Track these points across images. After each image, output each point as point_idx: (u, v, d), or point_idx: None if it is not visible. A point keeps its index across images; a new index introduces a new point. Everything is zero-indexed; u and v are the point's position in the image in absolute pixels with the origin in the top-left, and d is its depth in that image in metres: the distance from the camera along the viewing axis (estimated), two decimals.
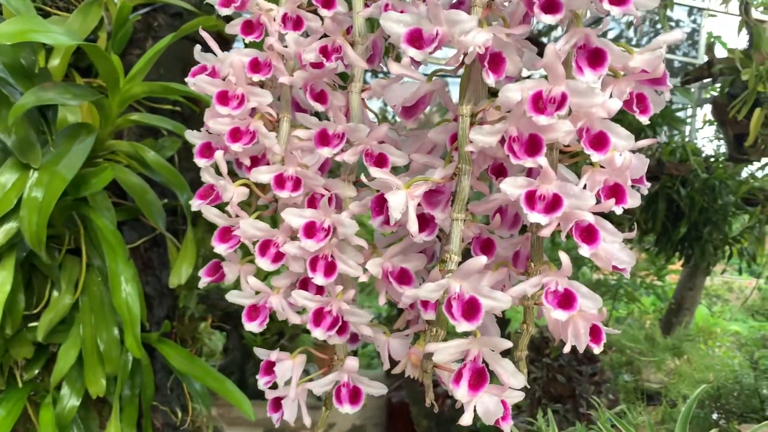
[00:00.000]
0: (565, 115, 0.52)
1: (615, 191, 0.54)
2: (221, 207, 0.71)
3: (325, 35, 0.66)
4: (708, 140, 5.41)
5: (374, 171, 0.57)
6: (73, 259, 1.38)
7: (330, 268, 0.63)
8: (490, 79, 0.53)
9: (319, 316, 0.63)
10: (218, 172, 0.69)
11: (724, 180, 4.06)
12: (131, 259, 1.36)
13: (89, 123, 1.18)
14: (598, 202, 0.53)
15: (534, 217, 0.51)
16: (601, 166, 0.55)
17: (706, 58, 3.66)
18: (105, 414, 1.50)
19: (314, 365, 0.76)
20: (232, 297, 0.68)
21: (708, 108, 4.74)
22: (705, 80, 3.66)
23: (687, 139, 5.47)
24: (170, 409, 1.61)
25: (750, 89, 2.48)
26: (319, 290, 0.67)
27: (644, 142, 0.56)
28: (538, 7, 0.51)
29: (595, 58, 0.52)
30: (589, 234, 0.53)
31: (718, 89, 3.60)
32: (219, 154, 0.67)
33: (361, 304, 0.71)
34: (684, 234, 4.11)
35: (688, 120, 5.55)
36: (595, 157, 0.52)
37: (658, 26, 6.01)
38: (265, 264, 0.64)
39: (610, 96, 0.55)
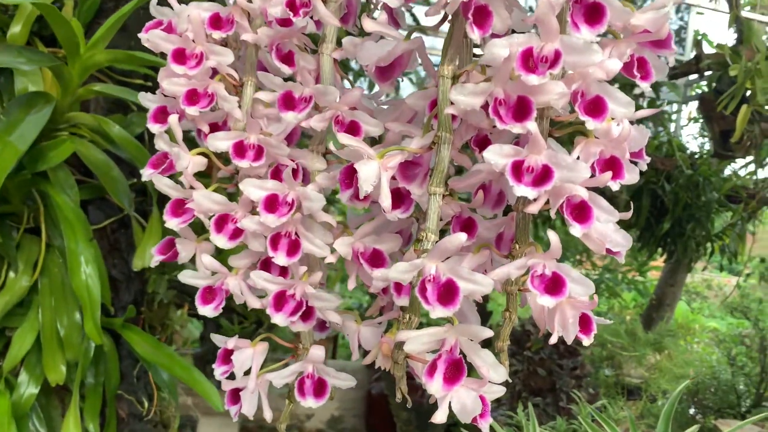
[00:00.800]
0: (557, 76, 0.46)
1: (611, 165, 0.48)
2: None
3: None
4: (693, 137, 5.42)
5: (343, 137, 0.51)
6: (33, 238, 1.30)
7: (293, 247, 0.56)
8: (475, 34, 0.47)
9: (280, 300, 0.57)
10: (173, 139, 0.62)
11: (708, 177, 4.06)
12: (95, 239, 1.29)
13: (48, 92, 1.10)
14: (593, 176, 0.47)
15: (521, 190, 0.45)
16: (596, 137, 0.49)
17: (693, 54, 3.63)
18: (68, 402, 1.42)
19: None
20: (185, 277, 0.61)
21: (693, 105, 4.73)
22: (692, 76, 3.64)
23: (672, 135, 5.47)
24: (136, 398, 1.54)
25: (738, 83, 2.45)
26: (283, 272, 0.61)
27: (645, 112, 0.50)
28: None
29: (593, 13, 0.46)
30: (582, 211, 0.47)
31: (705, 86, 3.59)
32: (173, 119, 0.61)
33: (342, 294, 0.65)
34: (667, 230, 4.10)
35: (674, 116, 5.55)
36: (591, 124, 0.46)
37: None
38: (221, 241, 0.58)
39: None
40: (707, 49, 3.64)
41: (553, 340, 0.50)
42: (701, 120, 3.97)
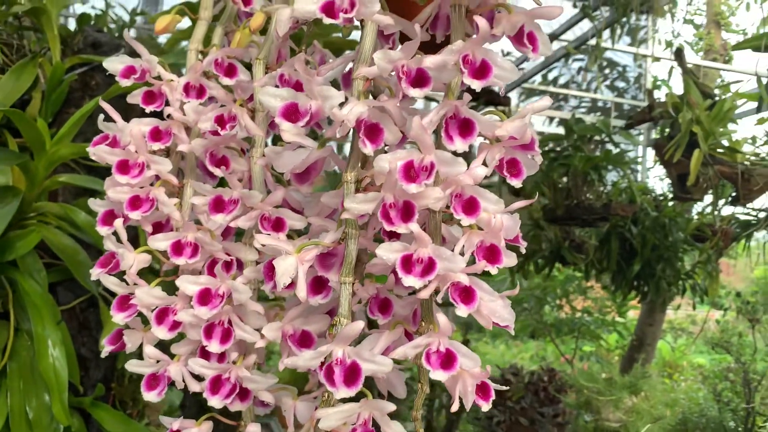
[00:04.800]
0: (439, 182, 0.54)
1: (491, 251, 0.56)
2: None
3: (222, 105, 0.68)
4: (659, 179, 5.59)
5: (261, 238, 0.58)
6: (2, 323, 1.34)
7: (226, 335, 0.63)
8: (368, 149, 0.55)
9: (216, 384, 0.63)
10: (120, 240, 0.69)
11: (673, 218, 4.19)
12: (63, 321, 1.33)
13: (15, 186, 1.17)
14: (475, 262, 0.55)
15: (409, 280, 0.53)
16: (480, 228, 0.57)
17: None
18: None
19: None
20: (131, 366, 0.67)
21: None
22: (647, 123, 3.82)
23: (639, 179, 5.65)
24: None
25: (682, 132, 2.60)
26: (222, 357, 0.67)
27: (518, 204, 0.58)
28: (406, 82, 0.54)
29: (465, 127, 0.55)
30: (467, 294, 0.54)
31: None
32: (118, 223, 0.68)
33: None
34: (638, 271, 4.20)
35: (639, 159, 5.74)
36: (465, 221, 0.54)
37: (606, 71, 6.27)
38: (161, 332, 0.64)
39: (485, 161, 0.57)
40: (661, 96, 3.83)
41: (453, 408, 0.57)
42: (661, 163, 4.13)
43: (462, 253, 0.55)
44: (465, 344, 0.56)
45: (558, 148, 3.54)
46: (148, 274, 0.75)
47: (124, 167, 0.68)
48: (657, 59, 5.46)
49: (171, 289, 0.75)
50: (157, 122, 0.71)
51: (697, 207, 4.64)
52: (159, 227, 0.73)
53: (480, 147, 0.59)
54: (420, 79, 0.54)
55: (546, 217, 3.58)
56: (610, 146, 3.70)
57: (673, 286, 4.39)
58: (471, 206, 0.54)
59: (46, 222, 1.30)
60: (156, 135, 0.70)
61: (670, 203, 4.25)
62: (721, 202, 4.01)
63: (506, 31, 0.56)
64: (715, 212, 4.13)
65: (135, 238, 1.10)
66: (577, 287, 5.94)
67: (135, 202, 0.68)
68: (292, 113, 0.55)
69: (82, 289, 1.52)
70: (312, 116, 0.55)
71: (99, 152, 0.69)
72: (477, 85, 0.53)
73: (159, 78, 0.72)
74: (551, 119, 6.13)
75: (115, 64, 0.72)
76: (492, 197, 0.55)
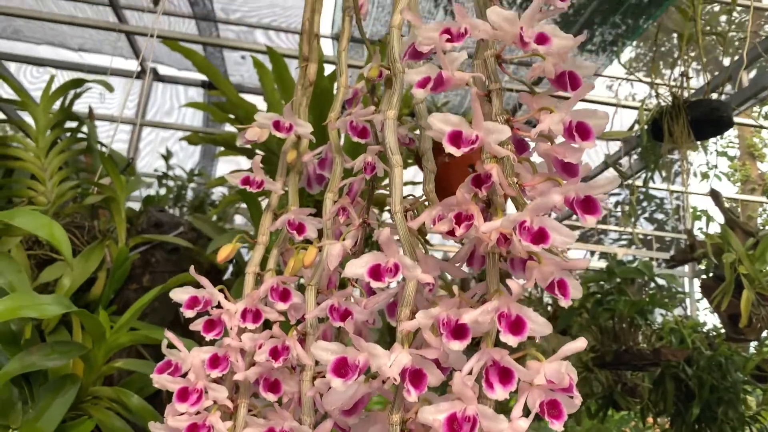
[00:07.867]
0: None
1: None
2: None
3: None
4: (708, 311, 5.40)
5: None
6: None
7: None
8: (412, 396, 0.59)
9: None
10: None
11: (729, 356, 4.00)
12: None
13: (74, 374, 1.23)
14: None
15: None
16: None
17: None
18: None
19: None
20: None
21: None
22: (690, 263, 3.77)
23: (688, 312, 5.46)
24: None
25: (728, 280, 2.56)
26: None
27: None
28: (446, 336, 0.58)
29: (505, 375, 0.58)
30: None
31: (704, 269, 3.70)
32: None
33: None
34: (698, 415, 3.95)
35: (687, 292, 5.60)
36: None
37: (644, 204, 6.31)
38: None
39: (526, 407, 0.60)
40: (710, 227, 3.81)
41: None
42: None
43: None
44: None
45: (602, 289, 3.50)
46: None
47: (183, 395, 0.73)
48: (693, 193, 5.50)
49: None
50: (215, 350, 0.76)
51: (754, 341, 4.43)
52: None
53: (521, 388, 0.61)
54: (459, 331, 0.58)
55: (595, 362, 3.47)
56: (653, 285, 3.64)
57: (739, 430, 4.09)
58: None
59: (98, 404, 1.35)
60: (214, 362, 0.75)
61: (724, 339, 4.08)
62: None
63: (538, 282, 0.61)
64: None
65: None
66: (634, 429, 5.58)
67: (192, 431, 0.72)
68: (341, 368, 0.60)
69: None
70: (360, 370, 0.59)
71: (162, 380, 0.74)
72: (513, 341, 0.57)
73: (219, 306, 0.79)
74: (592, 252, 6.12)
75: (180, 294, 0.79)
76: None
